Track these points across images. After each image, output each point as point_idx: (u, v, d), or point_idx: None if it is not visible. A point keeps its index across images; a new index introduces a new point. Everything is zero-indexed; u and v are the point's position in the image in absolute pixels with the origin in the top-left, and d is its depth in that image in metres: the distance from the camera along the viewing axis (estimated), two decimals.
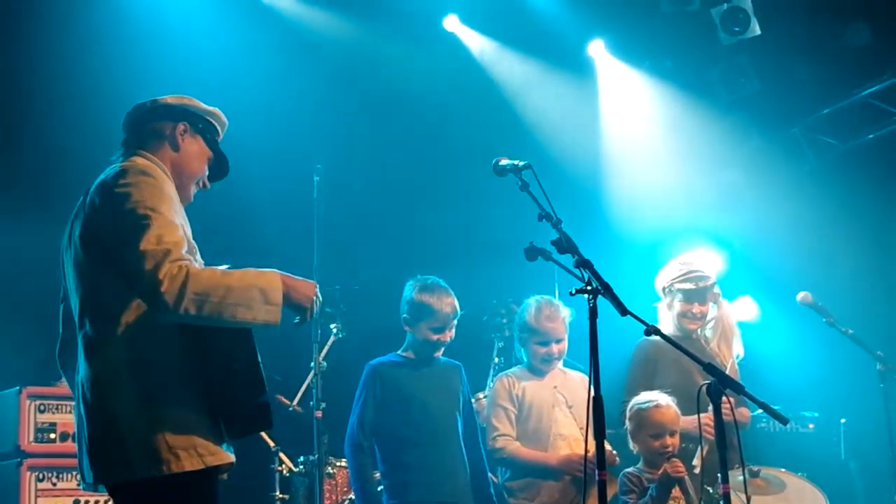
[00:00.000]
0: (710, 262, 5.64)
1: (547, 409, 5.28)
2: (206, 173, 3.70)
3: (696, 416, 4.36)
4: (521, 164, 3.80)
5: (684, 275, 5.48)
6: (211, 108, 3.69)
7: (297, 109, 7.12)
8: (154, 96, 3.61)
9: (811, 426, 6.82)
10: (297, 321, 3.43)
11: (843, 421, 6.78)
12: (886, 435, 5.59)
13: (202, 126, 3.66)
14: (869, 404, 5.86)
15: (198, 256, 3.40)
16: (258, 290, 3.23)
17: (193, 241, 3.45)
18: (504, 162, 3.86)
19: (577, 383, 5.41)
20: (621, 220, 7.97)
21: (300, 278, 3.40)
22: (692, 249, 5.80)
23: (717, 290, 5.53)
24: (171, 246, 3.14)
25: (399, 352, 5.25)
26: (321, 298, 3.51)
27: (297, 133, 6.98)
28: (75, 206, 3.41)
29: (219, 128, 3.74)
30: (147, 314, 3.21)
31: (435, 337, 5.10)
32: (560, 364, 5.42)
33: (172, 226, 3.20)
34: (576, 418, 5.29)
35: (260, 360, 3.29)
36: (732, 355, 5.46)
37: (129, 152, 3.49)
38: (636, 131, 8.32)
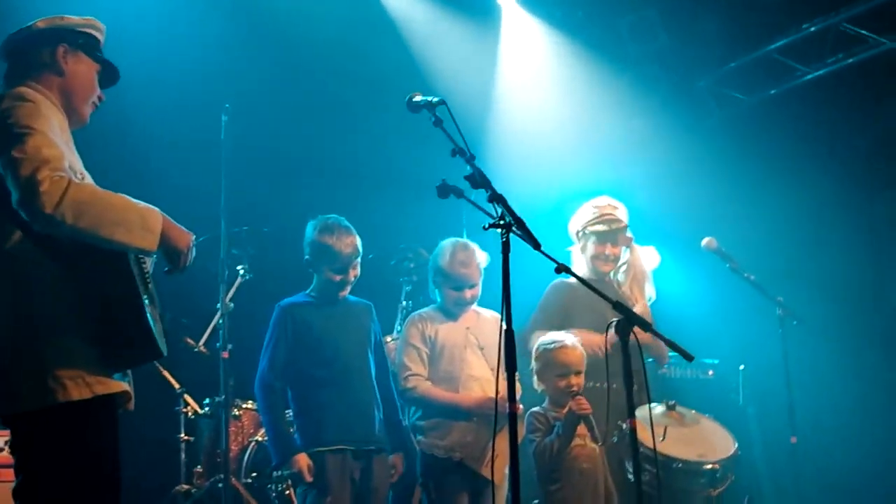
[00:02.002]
0: (622, 207, 5.70)
1: (459, 350, 5.29)
2: (98, 88, 3.65)
3: (601, 337, 4.44)
4: (435, 100, 3.79)
5: (597, 217, 5.59)
6: (85, 20, 3.62)
7: (204, 50, 6.94)
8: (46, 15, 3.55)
9: (711, 373, 6.95)
10: (167, 269, 3.45)
11: (741, 367, 6.91)
12: (784, 379, 5.74)
13: (82, 41, 3.59)
14: (767, 350, 6.00)
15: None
16: (138, 215, 3.25)
17: (87, 172, 3.44)
18: (418, 98, 3.84)
19: (490, 324, 5.40)
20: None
21: (180, 226, 3.42)
22: (600, 197, 5.84)
23: (629, 234, 5.63)
24: (51, 158, 3.12)
25: (307, 292, 5.22)
26: (195, 254, 3.51)
27: (204, 73, 6.83)
28: None
29: (99, 36, 3.66)
30: (26, 249, 3.20)
31: (337, 277, 5.09)
32: (474, 305, 5.42)
33: (51, 143, 3.18)
34: (487, 360, 5.31)
35: (140, 290, 3.29)
36: (644, 298, 5.55)
37: (11, 83, 3.45)
38: (536, 80, 8.28)
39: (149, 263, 3.51)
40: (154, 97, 6.34)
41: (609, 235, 5.57)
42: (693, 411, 5.45)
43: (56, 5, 3.96)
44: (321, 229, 5.11)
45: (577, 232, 5.67)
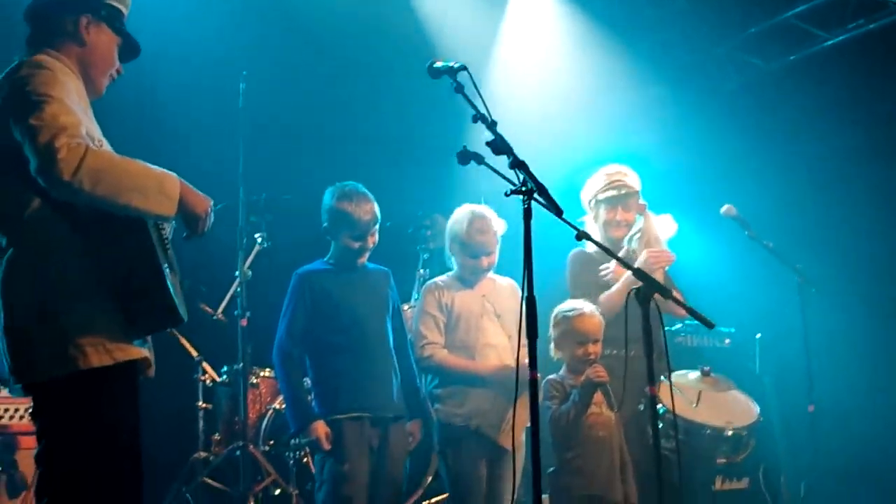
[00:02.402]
0: (633, 174, 5.65)
1: (475, 318, 5.28)
2: (117, 61, 3.64)
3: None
4: (457, 65, 3.75)
5: (608, 184, 5.55)
6: None
7: (222, 18, 6.92)
8: None
9: (727, 341, 6.93)
10: (185, 235, 3.46)
11: (758, 336, 6.89)
12: (802, 348, 5.72)
13: (105, 13, 3.56)
14: (785, 319, 5.98)
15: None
16: (156, 181, 3.25)
17: (105, 140, 3.44)
18: (439, 64, 3.80)
19: (506, 292, 5.40)
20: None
21: (198, 191, 3.41)
22: (610, 165, 5.80)
23: (642, 201, 5.58)
24: (69, 125, 3.12)
25: (325, 259, 5.21)
26: (213, 219, 3.50)
27: (222, 42, 6.81)
28: None
29: (123, 9, 3.63)
30: (45, 217, 3.22)
31: (356, 245, 5.09)
32: (491, 273, 5.41)
33: (69, 111, 3.18)
34: (504, 327, 5.31)
35: (160, 255, 3.30)
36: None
37: (31, 51, 3.43)
38: (549, 47, 8.19)
39: (168, 229, 3.51)
40: (173, 66, 6.35)
41: (620, 199, 5.52)
42: (726, 378, 5.46)
43: None
44: (339, 196, 5.11)
45: (590, 201, 5.63)
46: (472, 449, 5.11)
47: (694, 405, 5.19)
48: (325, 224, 5.17)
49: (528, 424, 3.45)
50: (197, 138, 6.44)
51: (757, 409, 5.31)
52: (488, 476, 5.09)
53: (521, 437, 5.04)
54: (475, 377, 5.16)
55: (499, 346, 5.26)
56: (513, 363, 4.96)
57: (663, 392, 4.92)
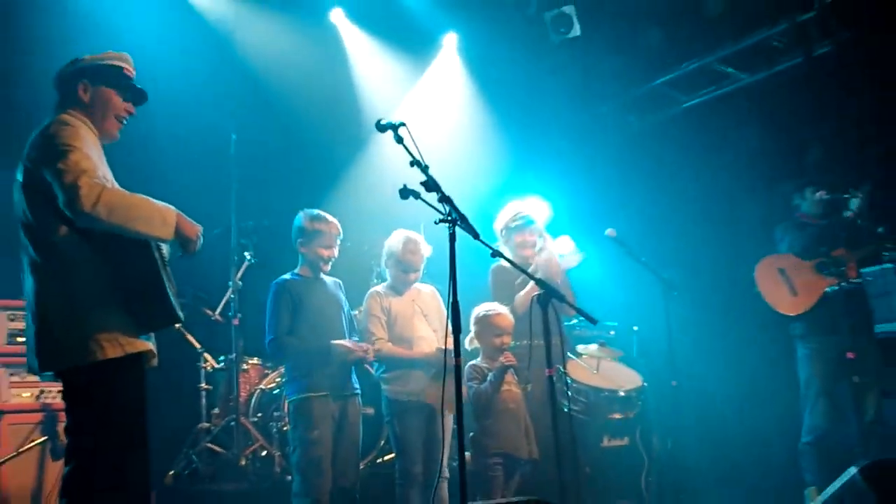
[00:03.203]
0: (534, 206, 5.66)
1: (408, 317, 5.27)
2: (124, 108, 3.59)
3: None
4: (398, 122, 3.76)
5: (515, 215, 5.58)
6: (104, 54, 3.58)
7: (215, 80, 6.87)
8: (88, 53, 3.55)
9: (612, 332, 7.00)
10: (179, 255, 3.48)
11: (635, 328, 6.96)
12: (666, 338, 5.77)
13: (101, 76, 3.53)
14: (654, 315, 6.00)
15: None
16: (158, 212, 3.31)
17: (115, 180, 3.43)
18: (384, 121, 3.80)
19: (429, 296, 5.42)
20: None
21: (191, 220, 3.45)
22: (514, 200, 5.79)
23: (542, 227, 5.59)
24: (88, 169, 3.19)
25: (295, 271, 5.15)
26: (203, 241, 3.50)
27: (216, 101, 6.74)
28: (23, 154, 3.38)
29: (119, 63, 3.59)
30: (71, 240, 3.24)
31: (326, 253, 5.05)
32: (416, 283, 5.42)
33: (87, 157, 3.24)
34: (429, 323, 5.31)
35: (160, 270, 3.33)
36: (562, 273, 5.55)
37: (58, 112, 3.48)
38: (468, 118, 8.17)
39: (164, 250, 3.50)
40: (179, 123, 6.25)
41: (524, 227, 5.56)
42: (617, 348, 5.56)
43: (104, 41, 3.94)
44: (312, 217, 5.08)
45: (501, 230, 5.64)
46: (413, 418, 5.10)
47: (595, 371, 5.22)
48: (299, 239, 5.08)
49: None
50: (199, 178, 6.36)
51: (641, 377, 5.36)
52: (425, 439, 5.08)
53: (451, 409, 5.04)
54: (413, 362, 5.15)
55: (428, 338, 5.26)
56: (440, 351, 4.95)
57: (572, 367, 5.00)
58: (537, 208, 5.66)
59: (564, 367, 4.93)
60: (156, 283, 3.31)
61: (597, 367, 5.29)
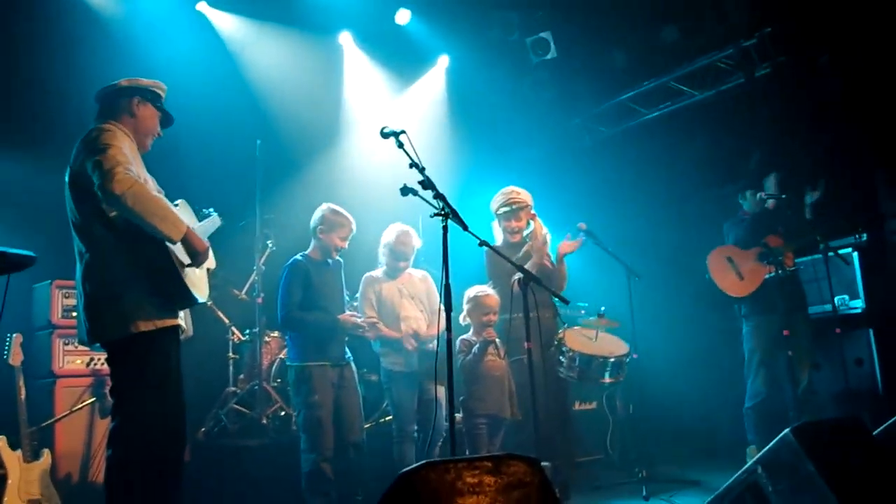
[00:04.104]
0: (524, 192, 5.42)
1: (396, 300, 5.23)
2: (158, 127, 3.70)
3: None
4: (399, 130, 3.74)
5: (504, 202, 5.36)
6: (153, 82, 3.69)
7: (241, 90, 6.89)
8: (127, 76, 3.64)
9: (583, 311, 6.98)
10: (188, 264, 3.50)
11: (602, 308, 6.89)
12: (629, 315, 5.74)
13: (149, 96, 3.64)
14: (619, 297, 5.97)
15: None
16: (172, 215, 3.35)
17: (151, 177, 3.51)
18: (387, 129, 3.77)
19: (419, 280, 5.36)
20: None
21: (200, 237, 3.50)
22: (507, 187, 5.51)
23: (531, 211, 5.34)
24: (123, 161, 3.25)
25: (306, 252, 5.07)
26: (210, 257, 3.58)
27: (243, 113, 6.73)
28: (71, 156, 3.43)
29: (161, 93, 3.71)
30: (107, 237, 3.30)
31: (341, 244, 5.00)
32: (408, 269, 5.37)
33: (124, 154, 3.29)
34: (416, 305, 5.27)
35: (176, 264, 3.39)
36: (551, 256, 5.35)
37: (99, 121, 3.51)
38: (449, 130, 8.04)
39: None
40: (213, 132, 6.22)
41: (513, 213, 5.32)
42: (613, 318, 5.46)
43: (143, 66, 3.98)
44: (336, 211, 5.02)
45: (494, 212, 5.47)
46: (405, 386, 5.10)
47: (593, 340, 5.16)
48: (320, 226, 4.99)
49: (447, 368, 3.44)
50: (229, 177, 6.33)
51: (627, 345, 5.26)
52: (419, 402, 5.07)
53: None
54: (400, 340, 5.10)
55: (412, 318, 5.21)
56: (423, 329, 5.06)
57: (569, 336, 4.96)
58: (525, 194, 5.41)
59: (560, 337, 4.93)
60: (173, 274, 3.39)
61: (595, 337, 5.21)
